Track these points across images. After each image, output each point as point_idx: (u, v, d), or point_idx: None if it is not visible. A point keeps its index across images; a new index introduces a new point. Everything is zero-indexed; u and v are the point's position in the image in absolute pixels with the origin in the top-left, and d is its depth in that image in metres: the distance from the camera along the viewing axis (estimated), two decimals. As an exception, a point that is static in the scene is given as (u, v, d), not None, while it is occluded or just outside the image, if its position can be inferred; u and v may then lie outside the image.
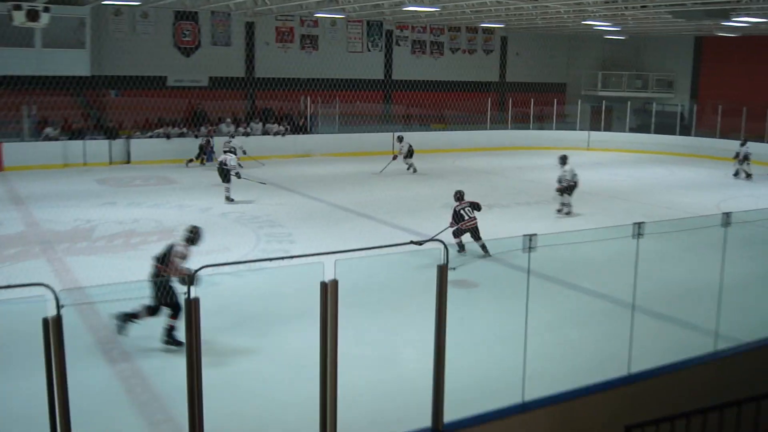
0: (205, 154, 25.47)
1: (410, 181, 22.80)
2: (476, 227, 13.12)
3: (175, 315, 8.77)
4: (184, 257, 8.96)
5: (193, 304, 5.01)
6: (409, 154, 24.81)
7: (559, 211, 17.91)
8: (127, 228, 15.33)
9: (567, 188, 17.80)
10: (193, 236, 9.33)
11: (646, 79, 37.81)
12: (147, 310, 8.87)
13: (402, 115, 33.30)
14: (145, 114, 27.08)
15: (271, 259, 5.29)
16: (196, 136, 26.41)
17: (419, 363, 6.86)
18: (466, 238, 13.12)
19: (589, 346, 9.10)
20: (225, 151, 20.64)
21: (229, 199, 18.58)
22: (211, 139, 25.80)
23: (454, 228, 13.10)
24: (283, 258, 5.34)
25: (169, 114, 27.44)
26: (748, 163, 25.00)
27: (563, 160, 18.11)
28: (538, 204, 19.29)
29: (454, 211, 13.40)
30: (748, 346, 8.02)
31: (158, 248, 9.47)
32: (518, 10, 26.56)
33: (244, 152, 23.63)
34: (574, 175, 17.84)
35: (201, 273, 5.13)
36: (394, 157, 24.85)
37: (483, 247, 12.64)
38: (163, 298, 8.77)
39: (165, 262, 9.06)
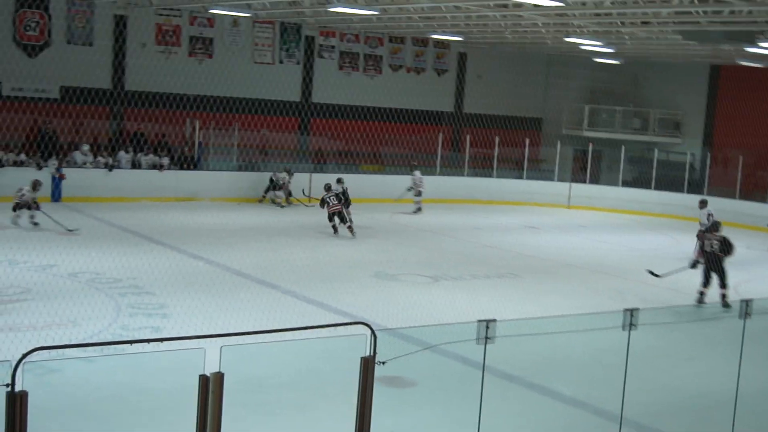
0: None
1: (330, 241, 22.81)
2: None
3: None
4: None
5: (18, 401, 4.85)
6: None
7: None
8: (-67, 290, 14.91)
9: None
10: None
11: (647, 117, 38.85)
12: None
13: (323, 150, 33.44)
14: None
15: (131, 342, 5.20)
16: (36, 167, 25.98)
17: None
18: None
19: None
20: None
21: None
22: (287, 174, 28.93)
23: None
24: (149, 341, 5.25)
25: (2, 134, 27.00)
26: None
27: (703, 204, 23.89)
28: (500, 278, 19.46)
29: None
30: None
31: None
32: (482, 18, 27.14)
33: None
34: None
35: (33, 357, 4.99)
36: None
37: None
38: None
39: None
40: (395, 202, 29.90)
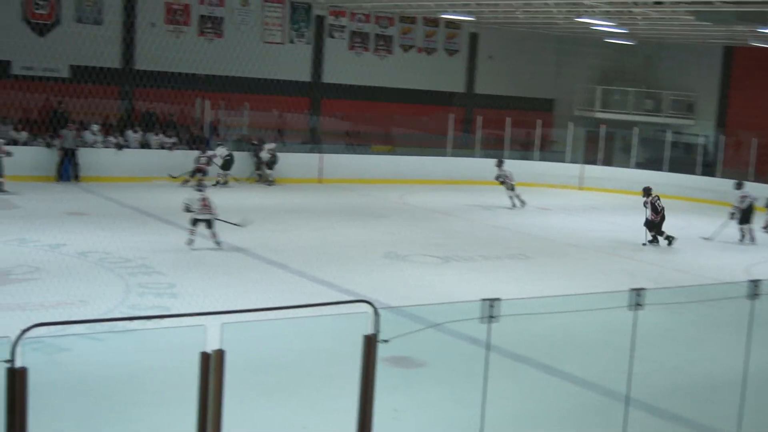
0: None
1: (341, 221, 22.80)
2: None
3: None
4: None
5: (17, 377, 4.85)
6: (270, 164, 28.13)
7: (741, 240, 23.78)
8: (-57, 268, 14.97)
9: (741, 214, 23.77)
10: None
11: (660, 99, 38.69)
12: None
13: (333, 131, 33.40)
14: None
15: (131, 318, 5.18)
16: (46, 145, 26.02)
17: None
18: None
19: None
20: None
21: None
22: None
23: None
24: (149, 317, 5.23)
25: (14, 113, 27.04)
26: None
27: (738, 185, 24.33)
28: (511, 259, 19.42)
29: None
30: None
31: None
32: (494, -2, 27.07)
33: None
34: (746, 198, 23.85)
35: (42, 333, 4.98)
36: None
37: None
38: None
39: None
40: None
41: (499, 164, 28.07)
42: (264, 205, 24.56)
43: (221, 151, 27.86)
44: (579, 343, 12.32)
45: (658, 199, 22.44)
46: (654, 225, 22.30)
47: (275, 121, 32.12)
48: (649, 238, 22.38)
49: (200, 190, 18.34)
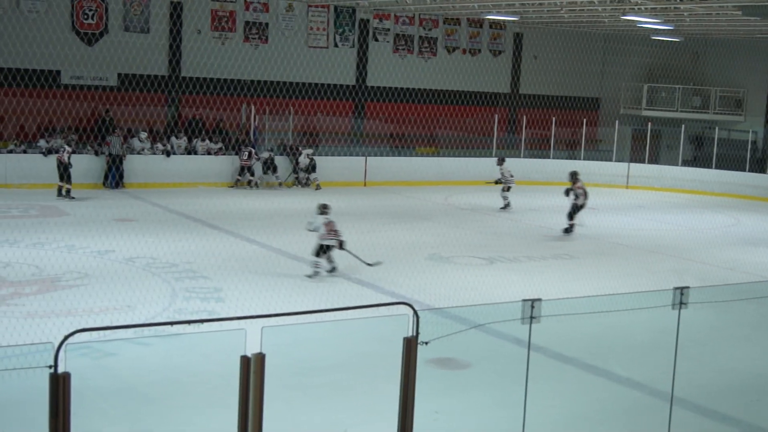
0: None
1: (385, 223, 22.79)
2: None
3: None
4: None
5: (61, 382, 4.89)
6: (312, 168, 28.67)
7: None
8: (-6, 275, 15.15)
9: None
10: None
11: (707, 95, 38.32)
12: None
13: (378, 133, 33.44)
14: (26, 120, 26.92)
15: (171, 323, 5.21)
16: (94, 153, 26.28)
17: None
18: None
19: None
20: None
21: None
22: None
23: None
24: (189, 322, 5.25)
25: (64, 121, 27.33)
26: None
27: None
28: (556, 260, 19.30)
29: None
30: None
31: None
32: (537, -2, 26.96)
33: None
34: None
35: (87, 338, 5.03)
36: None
37: None
38: None
39: None
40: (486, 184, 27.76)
41: (500, 163, 26.64)
42: (309, 208, 24.58)
43: (264, 154, 28.12)
44: (623, 342, 12.23)
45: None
46: (578, 209, 22.22)
47: (319, 125, 32.23)
48: (569, 224, 22.35)
49: (325, 213, 16.57)
